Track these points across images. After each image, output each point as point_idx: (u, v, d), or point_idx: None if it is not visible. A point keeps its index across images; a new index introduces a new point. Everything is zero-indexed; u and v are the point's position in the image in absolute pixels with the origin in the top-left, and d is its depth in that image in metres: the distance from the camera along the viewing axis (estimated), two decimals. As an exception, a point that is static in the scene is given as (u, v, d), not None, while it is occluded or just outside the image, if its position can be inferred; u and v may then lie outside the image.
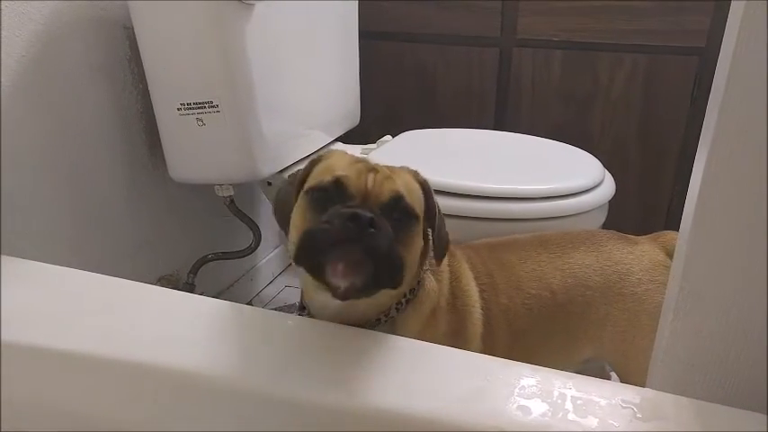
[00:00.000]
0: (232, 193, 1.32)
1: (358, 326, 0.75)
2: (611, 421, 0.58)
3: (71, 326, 0.75)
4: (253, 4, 1.09)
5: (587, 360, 0.99)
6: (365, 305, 0.76)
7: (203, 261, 1.43)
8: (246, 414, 0.67)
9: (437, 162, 1.28)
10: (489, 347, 0.89)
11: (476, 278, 0.91)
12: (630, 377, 0.95)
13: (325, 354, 0.69)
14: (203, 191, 1.46)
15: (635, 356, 0.93)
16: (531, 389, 0.62)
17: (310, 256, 0.66)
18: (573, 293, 0.92)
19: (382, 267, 0.65)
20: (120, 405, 0.72)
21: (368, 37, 1.67)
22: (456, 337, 0.86)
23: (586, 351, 0.97)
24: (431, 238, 0.81)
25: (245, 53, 1.11)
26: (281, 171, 1.29)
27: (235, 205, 1.36)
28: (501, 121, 1.76)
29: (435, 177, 1.11)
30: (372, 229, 0.64)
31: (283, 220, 0.81)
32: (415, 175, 0.81)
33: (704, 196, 0.55)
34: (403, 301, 0.81)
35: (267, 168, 1.23)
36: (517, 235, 1.02)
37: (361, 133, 1.61)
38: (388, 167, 0.77)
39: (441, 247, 0.82)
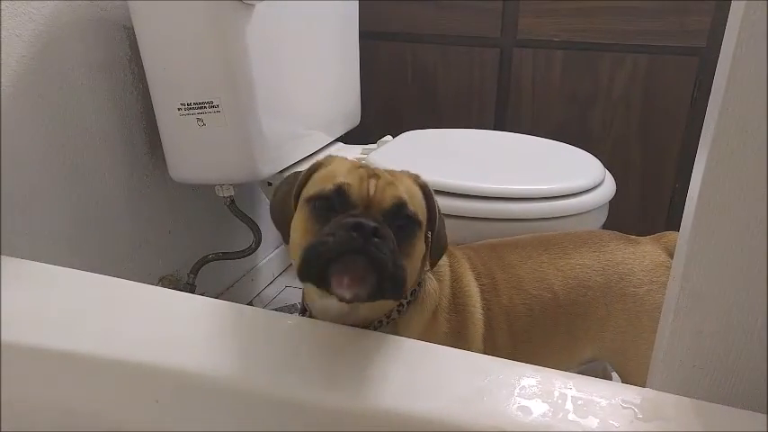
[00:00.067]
0: (232, 194, 1.32)
1: (360, 327, 0.75)
2: (611, 421, 0.58)
3: (71, 326, 0.75)
4: (253, 5, 1.09)
5: (588, 360, 0.99)
6: (367, 308, 0.76)
7: (204, 261, 1.43)
8: (247, 414, 0.67)
9: (437, 162, 1.28)
10: (490, 348, 0.89)
11: (477, 278, 0.91)
12: (631, 377, 0.95)
13: (326, 354, 0.69)
14: (204, 191, 1.46)
15: (636, 357, 0.93)
16: (531, 389, 0.62)
17: (315, 270, 0.66)
18: (574, 294, 0.92)
19: (386, 278, 0.65)
20: (121, 405, 0.72)
21: (368, 37, 1.67)
22: (457, 338, 0.87)
23: (587, 351, 0.97)
24: (429, 240, 0.81)
25: (245, 53, 1.11)
26: (282, 171, 1.29)
27: (235, 205, 1.36)
28: (501, 122, 1.76)
29: (436, 177, 1.12)
30: (376, 239, 0.64)
31: (281, 222, 0.80)
32: (416, 179, 0.80)
33: (704, 196, 0.55)
34: (404, 302, 0.81)
35: (267, 169, 1.23)
36: (518, 236, 1.02)
37: (362, 133, 1.61)
38: (388, 172, 0.77)
39: (438, 250, 0.82)
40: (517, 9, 1.61)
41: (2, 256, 0.89)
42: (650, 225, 1.67)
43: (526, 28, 1.63)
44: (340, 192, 0.70)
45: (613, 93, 1.62)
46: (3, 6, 0.95)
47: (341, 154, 1.45)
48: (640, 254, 0.95)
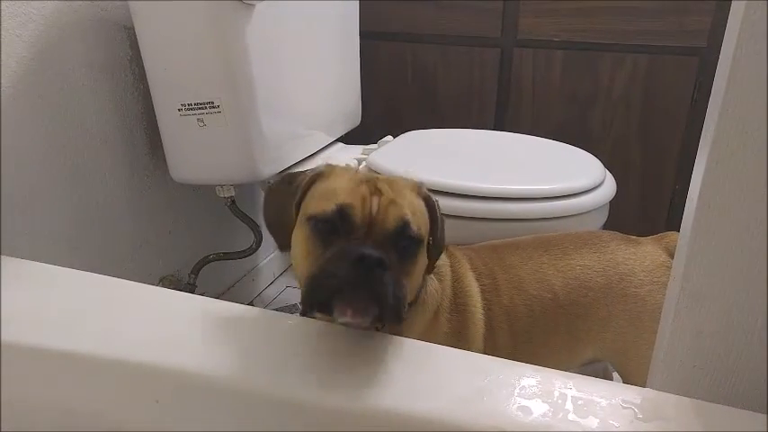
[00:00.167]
0: (233, 194, 1.32)
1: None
2: (611, 421, 0.58)
3: (71, 326, 0.75)
4: (253, 5, 1.09)
5: (589, 360, 0.99)
6: None
7: (204, 261, 1.43)
8: (247, 414, 0.67)
9: (438, 162, 1.28)
10: (491, 348, 0.89)
11: (477, 279, 0.91)
12: (632, 377, 0.95)
13: (326, 354, 0.69)
14: (204, 191, 1.46)
15: (637, 357, 0.93)
16: (531, 389, 0.62)
17: (319, 302, 0.67)
18: (575, 294, 0.92)
19: (387, 308, 0.65)
20: (121, 405, 0.72)
21: (369, 37, 1.67)
22: (458, 338, 0.87)
23: (588, 352, 0.97)
24: (429, 243, 0.80)
25: (245, 53, 1.11)
26: (282, 171, 1.29)
27: (236, 206, 1.36)
28: (501, 122, 1.76)
29: (436, 178, 1.12)
30: (380, 268, 0.64)
31: (276, 229, 0.79)
32: (418, 189, 0.79)
33: (705, 196, 0.55)
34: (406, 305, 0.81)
35: (268, 169, 1.23)
36: (519, 236, 1.02)
37: (362, 133, 1.61)
38: (390, 184, 0.75)
39: (436, 252, 0.82)
40: (517, 9, 1.61)
41: (2, 257, 0.89)
42: (650, 225, 1.67)
43: (526, 28, 1.63)
44: (342, 214, 0.69)
45: (613, 93, 1.62)
46: (3, 6, 0.95)
47: (341, 154, 1.46)
48: (641, 254, 0.95)
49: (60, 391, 0.74)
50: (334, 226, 0.69)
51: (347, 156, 1.44)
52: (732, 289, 0.57)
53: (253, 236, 1.42)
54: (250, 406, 0.66)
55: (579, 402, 0.60)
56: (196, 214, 1.48)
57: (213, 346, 0.71)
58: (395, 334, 0.73)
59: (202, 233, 1.51)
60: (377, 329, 0.73)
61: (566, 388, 0.62)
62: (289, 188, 0.78)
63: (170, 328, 0.74)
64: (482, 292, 0.91)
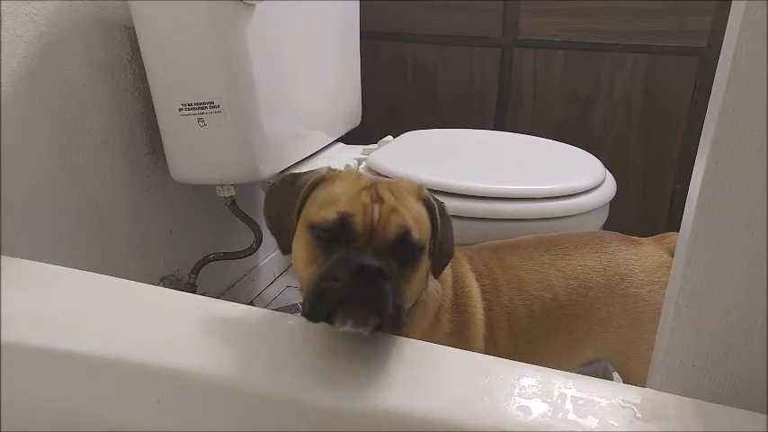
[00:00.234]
0: (233, 194, 1.32)
1: None
2: (611, 421, 0.58)
3: (72, 326, 0.75)
4: (253, 5, 1.10)
5: (590, 360, 0.99)
6: None
7: (205, 261, 1.43)
8: (247, 414, 0.67)
9: (438, 162, 1.28)
10: (491, 348, 0.89)
11: (478, 279, 0.91)
12: (633, 378, 0.95)
13: (326, 354, 0.69)
14: (204, 191, 1.46)
15: (637, 357, 0.93)
16: (531, 389, 0.62)
17: (320, 313, 0.67)
18: (575, 295, 0.92)
19: (387, 318, 0.66)
20: (121, 405, 0.72)
21: (369, 37, 1.67)
22: (458, 338, 0.87)
23: (589, 352, 0.97)
24: (433, 248, 0.79)
25: (246, 53, 1.11)
26: (283, 171, 1.29)
27: (236, 206, 1.36)
28: (502, 122, 1.76)
29: (436, 178, 1.12)
30: (380, 279, 0.64)
31: (278, 231, 0.79)
32: (419, 193, 0.78)
33: (705, 196, 0.55)
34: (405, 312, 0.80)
35: (268, 169, 1.23)
36: (519, 237, 1.02)
37: (362, 133, 1.61)
38: (392, 190, 0.75)
39: (442, 261, 0.82)
40: (518, 9, 1.61)
41: (2, 257, 0.89)
42: (651, 225, 1.67)
43: (527, 28, 1.63)
44: (344, 224, 0.69)
45: (614, 93, 1.62)
46: (3, 6, 0.95)
47: (342, 154, 1.46)
48: (642, 255, 0.95)
49: (60, 391, 0.74)
50: (335, 234, 0.69)
51: (347, 156, 1.44)
52: (732, 289, 0.57)
53: (253, 236, 1.42)
54: (250, 406, 0.66)
55: (579, 402, 0.60)
56: (196, 214, 1.48)
57: (213, 346, 0.71)
58: (396, 335, 0.73)
59: (203, 233, 1.51)
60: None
61: (565, 388, 0.62)
62: (291, 189, 0.78)
63: (170, 328, 0.74)
64: (482, 292, 0.91)
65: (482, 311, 0.90)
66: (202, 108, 1.13)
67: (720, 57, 0.55)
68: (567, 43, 1.61)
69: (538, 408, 0.60)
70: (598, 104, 1.64)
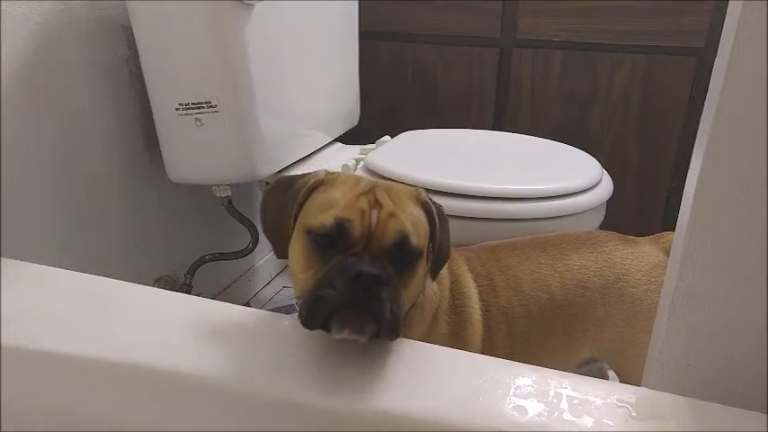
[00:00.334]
0: (230, 194, 1.32)
1: None
2: (606, 420, 0.58)
3: (69, 328, 0.75)
4: (252, 5, 1.09)
5: (586, 360, 0.99)
6: None
7: (201, 262, 1.43)
8: (244, 415, 0.67)
9: (436, 162, 1.28)
10: (488, 348, 0.89)
11: (475, 280, 0.91)
12: (629, 377, 0.95)
13: (323, 354, 0.69)
14: (201, 191, 1.46)
15: (634, 356, 0.93)
16: (526, 389, 0.62)
17: (317, 321, 0.67)
18: (572, 295, 0.92)
19: (384, 325, 0.65)
20: (119, 406, 0.72)
21: (368, 37, 1.67)
22: (456, 339, 0.87)
23: (585, 352, 0.97)
24: (431, 250, 0.79)
25: (244, 53, 1.11)
26: (280, 171, 1.29)
27: (233, 206, 1.36)
28: (500, 122, 1.76)
29: (434, 177, 1.12)
30: (378, 286, 0.64)
31: (275, 236, 0.78)
32: (417, 197, 0.78)
33: (700, 195, 0.55)
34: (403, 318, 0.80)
35: (266, 169, 1.23)
36: (516, 237, 1.02)
37: (361, 133, 1.61)
38: (390, 194, 0.74)
39: (439, 263, 0.81)
40: (517, 9, 1.61)
41: (1, 259, 0.89)
42: (647, 225, 1.67)
43: (526, 28, 1.63)
44: (341, 229, 0.69)
45: (612, 93, 1.62)
46: (2, 6, 0.95)
47: (339, 154, 1.46)
48: (638, 254, 0.95)
49: (59, 392, 0.74)
50: (333, 240, 0.69)
51: (345, 156, 1.43)
52: (727, 288, 0.57)
53: (249, 236, 1.42)
54: (247, 406, 0.66)
55: (574, 401, 0.60)
56: (193, 214, 1.48)
57: (209, 346, 0.71)
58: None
59: (198, 233, 1.50)
60: None
61: (561, 387, 0.62)
62: (287, 191, 0.77)
63: (166, 329, 0.74)
64: (480, 293, 0.91)
65: (479, 312, 0.90)
66: (200, 108, 1.13)
67: (717, 56, 0.55)
68: (565, 43, 1.61)
69: (533, 407, 0.60)
70: (596, 104, 1.64)
